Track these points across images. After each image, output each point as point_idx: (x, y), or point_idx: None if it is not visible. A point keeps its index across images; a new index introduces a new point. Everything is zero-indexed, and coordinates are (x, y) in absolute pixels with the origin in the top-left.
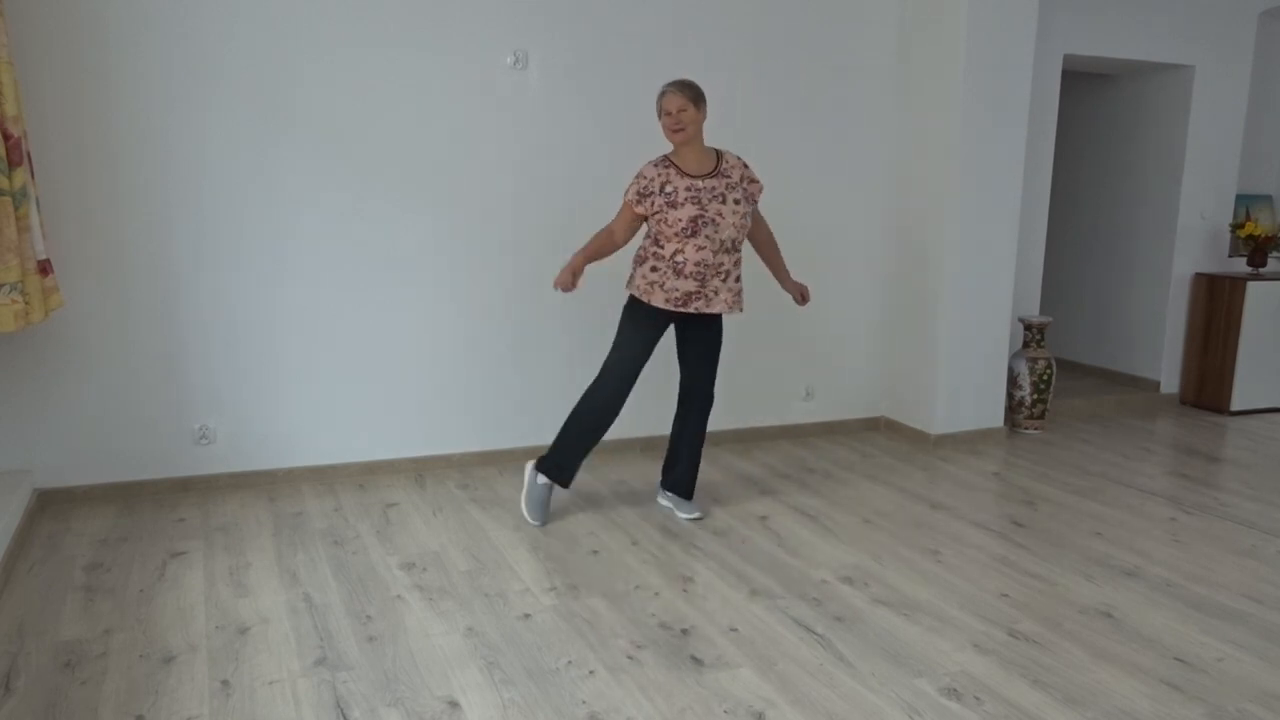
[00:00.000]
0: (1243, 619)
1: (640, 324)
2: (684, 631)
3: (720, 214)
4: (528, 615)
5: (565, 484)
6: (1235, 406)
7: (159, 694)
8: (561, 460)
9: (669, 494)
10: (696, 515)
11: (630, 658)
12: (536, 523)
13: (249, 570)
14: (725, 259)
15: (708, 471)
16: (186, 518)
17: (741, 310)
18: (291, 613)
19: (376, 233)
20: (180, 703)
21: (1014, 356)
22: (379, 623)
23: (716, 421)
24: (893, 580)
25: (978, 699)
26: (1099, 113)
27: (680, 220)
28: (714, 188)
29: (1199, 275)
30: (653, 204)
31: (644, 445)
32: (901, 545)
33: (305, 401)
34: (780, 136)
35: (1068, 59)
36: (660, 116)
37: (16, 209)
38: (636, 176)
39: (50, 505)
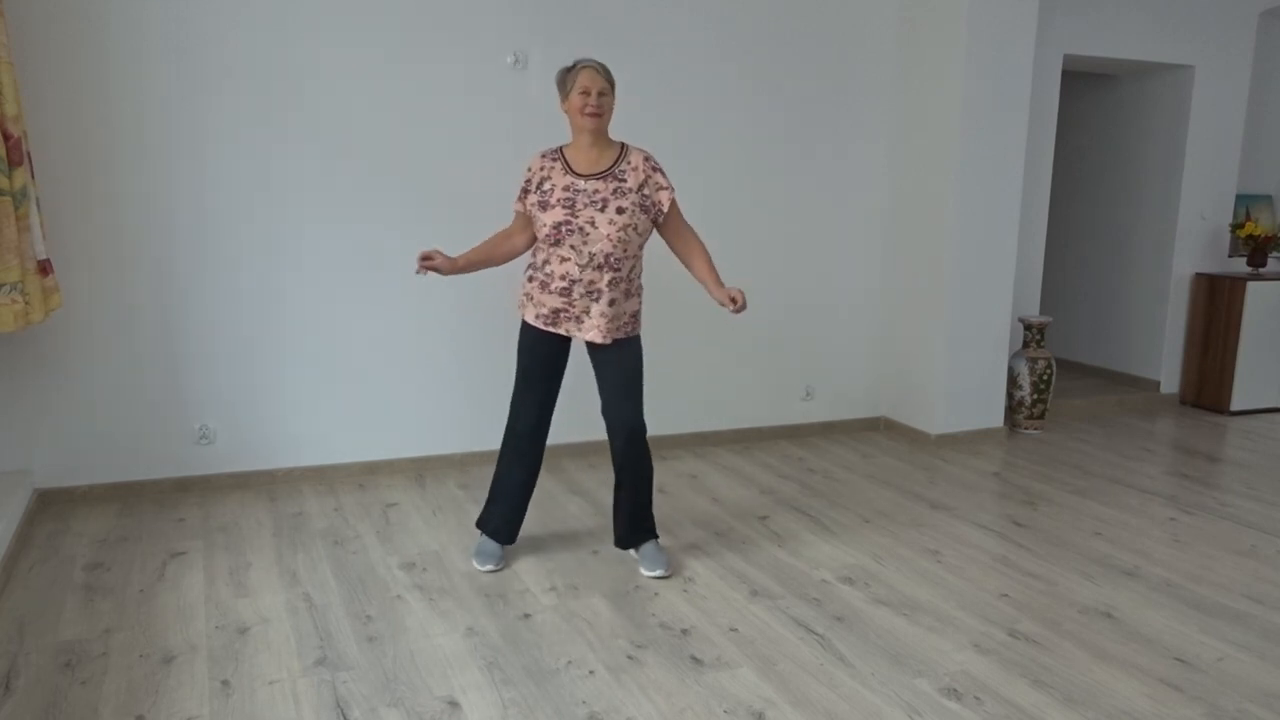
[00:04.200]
0: (1243, 619)
1: (525, 347)
2: (684, 631)
3: (592, 222)
4: (528, 615)
5: (503, 541)
6: (1235, 406)
7: (159, 694)
8: (491, 514)
9: (631, 550)
10: (661, 573)
11: (630, 658)
12: (483, 568)
13: (249, 570)
14: (597, 276)
15: (708, 472)
16: (186, 518)
17: (624, 338)
18: (291, 613)
19: (376, 232)
20: (180, 703)
21: (1014, 356)
22: (379, 623)
23: (717, 421)
24: (893, 580)
25: (978, 699)
26: (1099, 113)
27: (545, 225)
28: (595, 191)
29: (1199, 275)
30: (529, 203)
31: None
32: (901, 545)
33: (305, 401)
34: (779, 137)
35: (1068, 59)
36: (569, 94)
37: (16, 209)
38: (526, 169)
39: (50, 505)
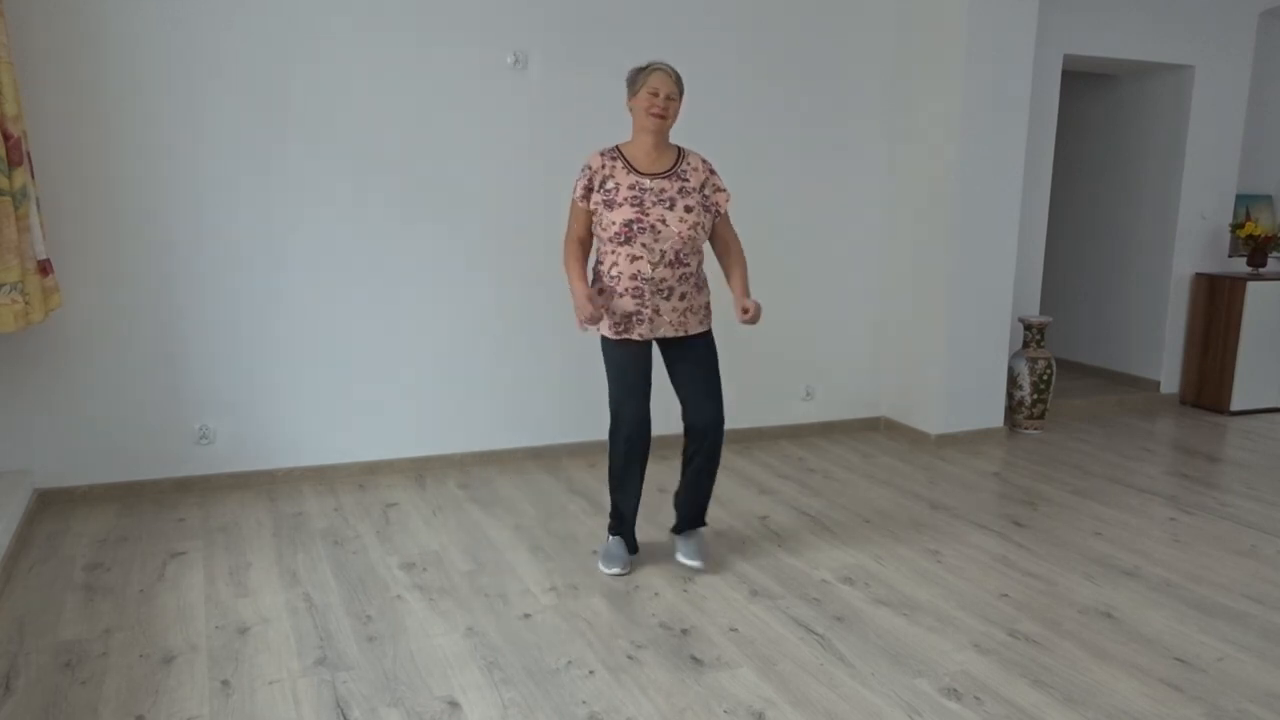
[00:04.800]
0: (1243, 619)
1: (614, 361)
2: (684, 631)
3: (663, 220)
4: (528, 615)
5: (625, 538)
6: (1235, 406)
7: (159, 694)
8: (614, 515)
9: (675, 535)
10: (696, 564)
11: (630, 658)
12: (610, 571)
13: (249, 570)
14: (669, 274)
15: None
16: (186, 518)
17: (700, 333)
18: (291, 613)
19: (376, 233)
20: (180, 703)
21: (1014, 356)
22: (379, 623)
23: None
24: (893, 580)
25: (978, 699)
26: (1099, 113)
27: (614, 223)
28: (662, 190)
29: (1199, 275)
30: (592, 201)
31: None
32: (901, 545)
33: (305, 401)
34: (779, 137)
35: (1068, 59)
36: (636, 93)
37: (16, 209)
38: (583, 168)
39: (50, 505)
